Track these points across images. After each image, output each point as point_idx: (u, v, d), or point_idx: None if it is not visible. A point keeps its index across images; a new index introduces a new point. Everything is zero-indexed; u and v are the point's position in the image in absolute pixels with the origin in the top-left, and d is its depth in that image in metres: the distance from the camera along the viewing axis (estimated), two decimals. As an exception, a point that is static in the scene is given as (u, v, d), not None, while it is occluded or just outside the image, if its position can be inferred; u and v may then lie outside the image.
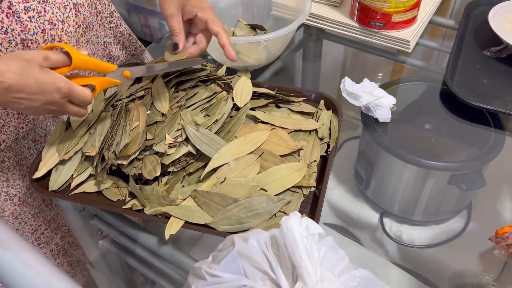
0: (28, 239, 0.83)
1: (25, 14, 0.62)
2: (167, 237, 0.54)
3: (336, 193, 0.80)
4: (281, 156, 0.61)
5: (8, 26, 0.61)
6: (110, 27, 0.80)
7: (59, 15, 0.66)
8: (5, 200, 0.74)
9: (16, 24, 0.61)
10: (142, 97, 0.69)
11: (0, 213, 0.75)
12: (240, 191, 0.56)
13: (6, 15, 0.60)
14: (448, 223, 0.73)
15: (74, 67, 0.55)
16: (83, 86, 0.57)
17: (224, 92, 0.69)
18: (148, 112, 0.65)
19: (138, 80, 0.74)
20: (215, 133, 0.63)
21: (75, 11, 0.68)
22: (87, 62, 0.57)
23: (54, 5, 0.65)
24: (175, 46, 0.64)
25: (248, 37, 0.77)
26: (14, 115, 0.69)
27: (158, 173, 0.58)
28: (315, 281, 0.36)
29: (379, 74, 0.96)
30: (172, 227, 0.54)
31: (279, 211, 0.56)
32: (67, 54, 0.55)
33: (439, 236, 0.72)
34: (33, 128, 0.75)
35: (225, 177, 0.58)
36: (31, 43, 0.63)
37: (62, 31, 0.67)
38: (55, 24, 0.65)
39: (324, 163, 0.63)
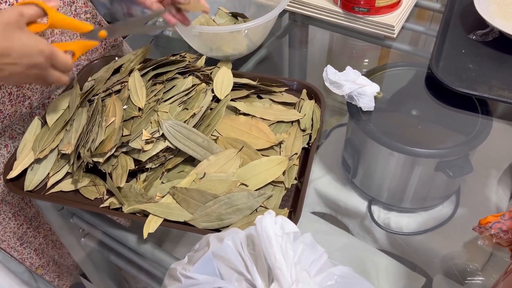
0: (10, 239, 0.82)
1: None
2: (145, 236, 0.53)
3: (324, 182, 0.80)
4: (262, 149, 0.59)
5: None
6: (86, 18, 0.77)
7: None
8: None
9: None
10: (119, 91, 0.67)
11: None
12: (220, 187, 0.55)
13: None
14: (436, 209, 0.73)
15: (51, 24, 0.54)
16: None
17: (203, 84, 0.67)
18: (125, 107, 0.63)
19: (115, 72, 0.72)
20: (193, 126, 0.61)
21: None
22: (63, 20, 0.55)
23: None
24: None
25: (228, 26, 0.75)
26: None
27: (122, 184, 0.57)
28: (290, 281, 0.35)
29: (365, 60, 0.95)
30: (151, 226, 0.53)
31: (260, 206, 0.55)
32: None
33: (427, 222, 0.72)
34: (9, 125, 0.73)
35: (205, 173, 0.57)
36: None
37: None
38: None
39: (306, 155, 0.62)
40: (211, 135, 0.62)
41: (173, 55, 0.72)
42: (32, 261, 0.87)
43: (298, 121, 0.65)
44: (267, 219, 0.37)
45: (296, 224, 0.53)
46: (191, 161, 0.61)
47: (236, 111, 0.66)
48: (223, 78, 0.69)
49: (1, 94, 0.67)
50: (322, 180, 0.80)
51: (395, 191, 0.73)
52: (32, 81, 0.56)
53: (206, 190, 0.55)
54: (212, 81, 0.68)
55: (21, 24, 0.51)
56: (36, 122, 0.66)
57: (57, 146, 0.63)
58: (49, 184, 0.61)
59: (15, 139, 0.74)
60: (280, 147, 0.61)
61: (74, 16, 0.74)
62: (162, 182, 0.59)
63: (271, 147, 0.61)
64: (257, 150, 0.59)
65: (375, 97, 0.69)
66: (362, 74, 0.71)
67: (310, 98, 0.69)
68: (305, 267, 0.38)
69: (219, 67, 0.72)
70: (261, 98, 0.70)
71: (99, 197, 0.59)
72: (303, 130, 0.64)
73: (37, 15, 0.54)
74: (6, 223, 0.77)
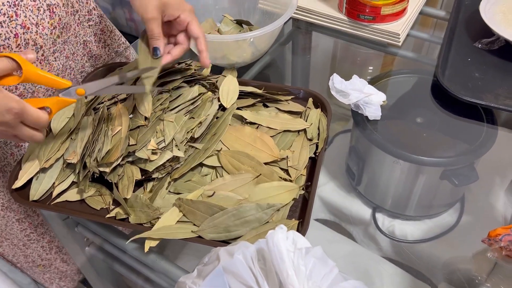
0: (13, 240, 0.82)
1: None
2: (146, 249, 0.52)
3: (328, 189, 0.79)
4: (267, 163, 0.59)
5: None
6: (89, 25, 0.76)
7: (32, 18, 0.63)
8: None
9: None
10: (124, 99, 0.67)
11: None
12: (226, 204, 0.55)
13: None
14: (441, 217, 0.73)
15: (25, 78, 0.51)
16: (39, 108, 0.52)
17: (210, 93, 0.67)
18: (131, 115, 0.63)
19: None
20: (199, 136, 0.61)
21: (50, 12, 0.65)
22: (38, 75, 0.52)
23: (27, 8, 0.62)
24: (156, 51, 0.61)
25: (234, 35, 0.74)
26: None
27: (129, 195, 0.56)
28: (302, 298, 0.35)
29: (370, 68, 0.94)
30: (152, 240, 0.53)
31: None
32: (17, 63, 0.51)
33: (432, 230, 0.72)
34: None
35: (214, 192, 0.57)
36: (3, 48, 0.60)
37: (37, 34, 0.64)
38: (28, 28, 0.62)
39: (313, 164, 0.62)
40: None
41: (179, 63, 0.72)
42: (34, 259, 0.87)
43: (304, 130, 0.64)
44: (278, 234, 0.37)
45: (304, 236, 0.53)
46: (199, 170, 0.61)
47: (242, 119, 0.66)
48: (229, 87, 0.68)
49: None
50: (326, 187, 0.79)
51: (399, 199, 0.73)
52: (3, 137, 0.54)
53: (213, 203, 0.54)
54: (218, 89, 0.68)
55: None
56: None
57: (63, 155, 0.63)
58: (54, 194, 0.60)
59: (20, 148, 0.74)
60: (287, 157, 0.61)
61: (77, 25, 0.73)
62: (169, 191, 0.59)
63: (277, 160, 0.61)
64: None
65: (380, 105, 0.69)
66: (367, 82, 0.71)
67: (316, 107, 0.69)
68: (317, 282, 0.38)
69: (224, 76, 0.72)
70: (267, 106, 0.70)
71: (105, 207, 0.59)
72: (310, 140, 0.63)
73: (10, 68, 0.51)
74: (10, 226, 0.77)
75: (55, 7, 0.66)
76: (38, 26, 0.64)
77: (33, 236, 0.84)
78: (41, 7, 0.64)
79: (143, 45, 0.63)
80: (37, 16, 0.63)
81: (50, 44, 0.67)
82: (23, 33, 0.62)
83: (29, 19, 0.62)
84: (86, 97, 0.66)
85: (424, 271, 0.68)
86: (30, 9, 0.62)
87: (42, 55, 0.67)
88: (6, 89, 0.55)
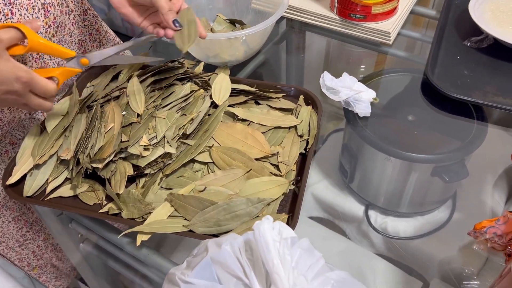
0: (9, 241, 0.82)
1: None
2: (138, 243, 0.53)
3: (321, 186, 0.80)
4: (258, 159, 0.60)
5: None
6: (85, 25, 0.77)
7: (27, 17, 0.63)
8: None
9: None
10: (117, 97, 0.67)
11: None
12: (217, 199, 0.56)
13: None
14: (433, 214, 0.73)
15: (30, 48, 0.54)
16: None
17: (202, 90, 0.68)
18: (124, 113, 0.64)
19: (114, 79, 0.73)
20: (191, 132, 0.61)
21: (44, 11, 0.66)
22: (44, 45, 0.54)
23: (22, 6, 0.63)
24: (176, 22, 0.61)
25: (225, 33, 0.75)
26: None
27: (121, 190, 0.57)
28: (288, 286, 0.36)
29: (362, 66, 0.95)
30: (144, 234, 0.53)
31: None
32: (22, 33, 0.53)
33: (424, 227, 0.72)
34: (9, 131, 0.73)
35: (205, 187, 0.57)
36: None
37: None
38: None
39: (303, 160, 0.63)
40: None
41: (172, 61, 0.72)
42: (30, 261, 0.88)
43: (295, 127, 0.65)
44: (265, 224, 0.38)
45: (294, 229, 0.54)
46: (190, 166, 0.62)
47: (234, 117, 0.67)
48: (221, 84, 0.69)
49: None
50: (319, 185, 0.80)
51: (392, 196, 0.73)
52: (11, 105, 0.56)
53: (204, 197, 0.55)
54: (211, 87, 0.69)
55: None
56: (35, 128, 0.66)
57: (56, 152, 0.63)
58: (48, 190, 0.61)
59: (15, 145, 0.74)
60: (278, 152, 0.61)
61: (72, 25, 0.74)
62: (161, 187, 0.60)
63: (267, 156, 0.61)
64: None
65: (372, 103, 0.70)
66: (358, 80, 0.72)
67: (307, 104, 0.69)
68: (303, 271, 0.38)
69: (217, 74, 0.72)
70: (259, 104, 0.70)
71: (98, 202, 0.60)
72: (300, 136, 0.64)
73: (16, 38, 0.53)
74: (6, 226, 0.78)
75: (50, 6, 0.67)
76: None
77: (29, 235, 0.84)
78: (36, 5, 0.65)
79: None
80: (32, 14, 0.64)
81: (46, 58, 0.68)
82: None
83: (24, 18, 0.63)
84: (90, 68, 0.69)
85: (417, 267, 0.68)
86: (25, 8, 0.63)
87: (37, 53, 0.68)
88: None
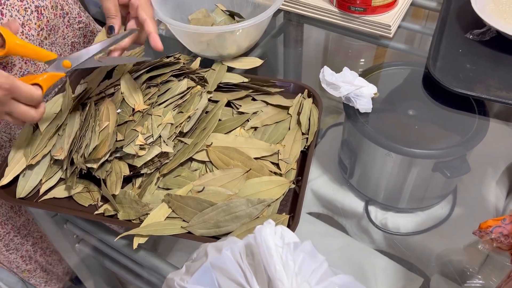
0: None
1: None
2: (135, 246, 0.52)
3: (321, 182, 0.79)
4: (257, 158, 0.58)
5: None
6: (80, 27, 0.75)
7: (19, 18, 0.62)
8: None
9: None
10: (112, 94, 0.66)
11: None
12: (215, 200, 0.54)
13: None
14: (433, 209, 0.73)
15: (9, 51, 0.51)
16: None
17: (199, 87, 0.66)
18: (119, 110, 0.62)
19: (108, 75, 0.71)
20: (189, 130, 0.60)
21: (37, 13, 0.64)
22: (23, 47, 0.51)
23: (13, 7, 0.61)
24: (111, 29, 0.60)
25: (221, 26, 0.74)
26: None
27: (117, 191, 0.56)
28: (291, 293, 0.35)
29: (361, 60, 0.94)
30: (141, 237, 0.52)
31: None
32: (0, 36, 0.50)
33: (424, 222, 0.72)
34: None
35: (204, 187, 0.56)
36: None
37: (22, 34, 0.63)
38: None
39: (303, 157, 0.61)
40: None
41: (167, 57, 0.70)
42: (18, 265, 0.86)
43: (299, 124, 0.64)
44: (266, 229, 0.37)
45: (295, 230, 0.53)
46: (188, 165, 0.60)
47: (232, 112, 0.65)
48: (216, 75, 0.68)
49: None
50: (318, 181, 0.79)
51: (392, 192, 0.73)
52: None
53: (202, 198, 0.54)
54: (208, 83, 0.67)
55: None
56: (28, 127, 0.64)
57: (50, 151, 0.62)
58: (42, 191, 0.59)
59: (1, 147, 0.73)
60: (278, 151, 0.60)
61: (66, 27, 0.72)
62: (158, 187, 0.58)
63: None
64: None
65: (372, 98, 0.69)
66: (358, 74, 0.71)
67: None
68: (306, 277, 0.37)
69: (214, 69, 0.71)
70: (255, 100, 0.69)
71: (93, 203, 0.58)
72: (303, 133, 0.63)
73: None
74: None
75: (44, 9, 0.65)
76: (25, 26, 0.63)
77: (17, 239, 0.82)
78: (29, 8, 0.63)
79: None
80: (24, 16, 0.62)
81: (36, 45, 0.66)
82: None
83: (15, 19, 0.61)
84: (72, 72, 0.66)
85: (417, 263, 0.68)
86: (16, 9, 0.61)
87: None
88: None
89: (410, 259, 0.68)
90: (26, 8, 0.62)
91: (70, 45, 0.75)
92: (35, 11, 0.64)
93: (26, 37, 0.64)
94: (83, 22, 0.75)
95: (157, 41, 0.61)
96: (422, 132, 0.67)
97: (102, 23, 0.81)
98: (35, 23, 0.64)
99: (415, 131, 0.67)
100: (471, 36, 0.79)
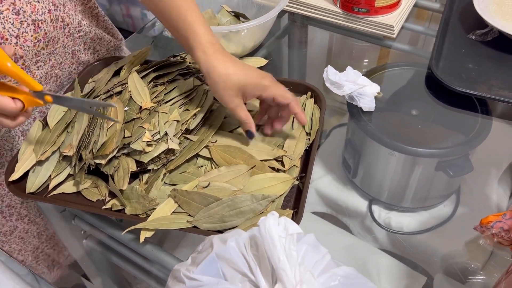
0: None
1: None
2: (141, 240, 0.53)
3: (325, 181, 0.80)
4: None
5: None
6: (80, 36, 0.75)
7: (13, 30, 0.62)
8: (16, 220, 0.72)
9: None
10: (120, 92, 0.67)
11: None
12: (220, 195, 0.55)
13: None
14: (437, 209, 0.73)
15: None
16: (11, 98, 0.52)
17: (204, 85, 0.67)
18: (126, 108, 0.63)
19: (116, 74, 0.72)
20: (194, 128, 0.61)
21: (34, 27, 0.64)
22: (12, 72, 0.51)
23: (6, 20, 0.61)
24: (250, 134, 0.61)
25: (226, 27, 0.75)
26: None
27: (125, 186, 0.57)
28: (294, 282, 0.36)
29: (365, 60, 0.95)
30: (147, 231, 0.53)
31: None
32: None
33: (428, 221, 0.72)
34: None
35: (209, 183, 0.57)
36: None
37: (17, 45, 0.63)
38: (6, 39, 0.62)
39: (307, 155, 0.62)
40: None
41: (173, 56, 0.72)
42: (26, 258, 0.87)
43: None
44: (270, 220, 0.38)
45: (298, 225, 0.53)
46: (194, 162, 0.61)
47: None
48: None
49: None
50: (322, 180, 0.80)
51: (395, 191, 0.73)
52: None
53: (208, 193, 0.55)
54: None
55: None
56: (37, 124, 0.66)
57: (59, 148, 0.63)
58: (51, 186, 0.61)
59: (2, 155, 0.74)
60: (283, 146, 0.61)
61: (66, 37, 0.72)
62: (165, 183, 0.59)
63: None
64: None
65: (375, 97, 0.69)
66: (362, 74, 0.72)
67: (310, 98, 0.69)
68: (309, 267, 0.38)
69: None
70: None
71: (101, 198, 0.59)
72: (307, 133, 0.64)
73: None
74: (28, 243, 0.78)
75: (41, 23, 0.65)
76: (19, 38, 0.63)
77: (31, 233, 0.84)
78: (25, 21, 0.63)
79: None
80: (19, 29, 0.63)
81: (32, 55, 0.66)
82: (0, 43, 0.62)
83: (9, 31, 0.62)
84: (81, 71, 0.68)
85: (421, 262, 0.68)
86: (10, 22, 0.62)
87: (23, 64, 0.67)
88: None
89: (413, 258, 0.68)
90: (22, 21, 0.63)
91: (71, 53, 0.75)
92: (31, 24, 0.64)
93: (21, 48, 0.64)
94: (83, 31, 0.75)
95: (304, 118, 0.62)
96: (425, 132, 0.68)
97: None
98: (32, 35, 0.65)
99: (419, 130, 0.68)
100: (473, 37, 0.79)
